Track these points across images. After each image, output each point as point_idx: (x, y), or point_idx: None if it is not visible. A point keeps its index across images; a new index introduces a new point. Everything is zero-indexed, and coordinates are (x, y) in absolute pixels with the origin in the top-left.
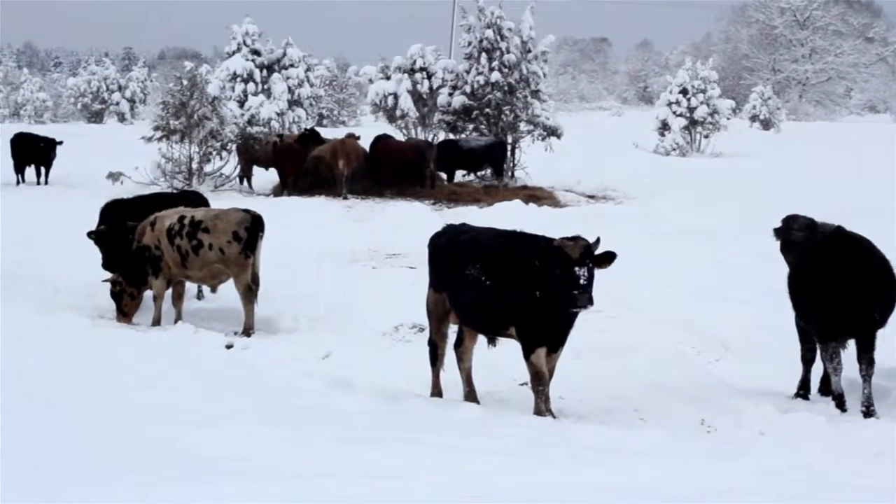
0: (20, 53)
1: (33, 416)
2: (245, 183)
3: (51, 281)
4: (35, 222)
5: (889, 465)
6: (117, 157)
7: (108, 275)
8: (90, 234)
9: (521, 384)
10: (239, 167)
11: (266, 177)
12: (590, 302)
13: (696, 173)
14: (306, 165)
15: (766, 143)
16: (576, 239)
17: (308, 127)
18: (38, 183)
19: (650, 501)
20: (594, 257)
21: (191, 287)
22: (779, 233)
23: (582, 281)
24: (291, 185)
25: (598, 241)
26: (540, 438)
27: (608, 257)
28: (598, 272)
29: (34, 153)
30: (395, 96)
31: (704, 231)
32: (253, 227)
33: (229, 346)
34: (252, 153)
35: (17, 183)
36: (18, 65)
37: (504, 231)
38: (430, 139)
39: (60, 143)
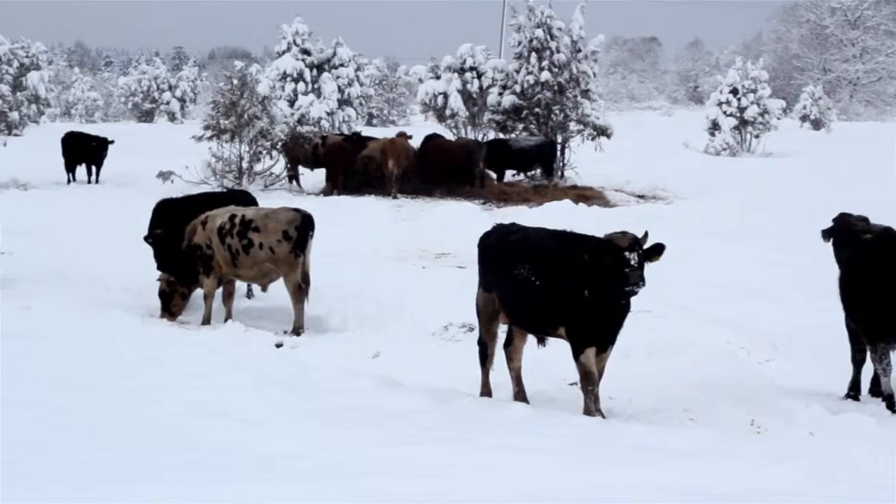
0: (71, 53)
1: (82, 414)
2: (294, 182)
3: (101, 280)
4: (86, 221)
5: None
6: (168, 157)
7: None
8: (147, 239)
9: (571, 384)
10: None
11: (317, 176)
12: (642, 280)
13: (746, 173)
14: (356, 165)
15: (817, 144)
16: (623, 232)
17: (355, 131)
18: (89, 182)
19: (699, 502)
20: (643, 249)
21: (241, 286)
22: (827, 234)
23: (633, 262)
24: (341, 184)
25: (646, 234)
26: (589, 438)
27: (657, 249)
28: (647, 267)
29: (85, 152)
30: (445, 96)
31: (754, 231)
32: (303, 226)
33: (279, 345)
34: (295, 153)
35: (69, 182)
36: (70, 64)
37: (554, 231)
38: (479, 139)
39: (112, 142)
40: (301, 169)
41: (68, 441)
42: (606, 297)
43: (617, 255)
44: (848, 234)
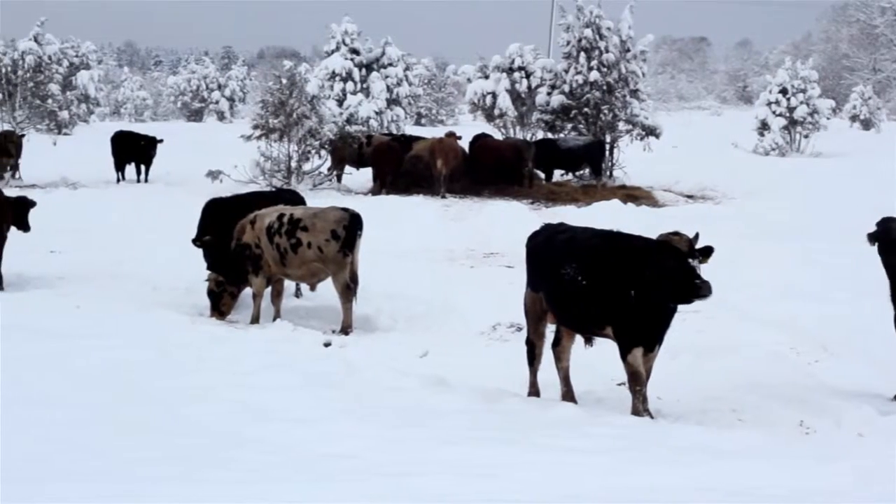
0: (121, 52)
1: (131, 412)
2: (337, 181)
3: (150, 279)
4: (135, 220)
5: None
6: (216, 156)
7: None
8: (195, 242)
9: (619, 384)
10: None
11: (366, 175)
12: (710, 290)
13: (795, 174)
14: (405, 164)
15: (867, 144)
16: (677, 234)
17: (403, 132)
18: (139, 181)
19: (747, 503)
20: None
21: (289, 285)
22: (872, 237)
23: (699, 270)
24: (389, 184)
25: (696, 235)
26: (637, 439)
27: (707, 252)
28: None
29: (135, 151)
30: (494, 95)
31: (803, 231)
32: (351, 225)
33: (327, 345)
34: (340, 152)
35: (118, 181)
36: (119, 63)
37: (601, 231)
38: (528, 138)
39: (161, 141)
40: (347, 168)
41: (114, 439)
42: (665, 299)
43: (681, 261)
44: (893, 242)
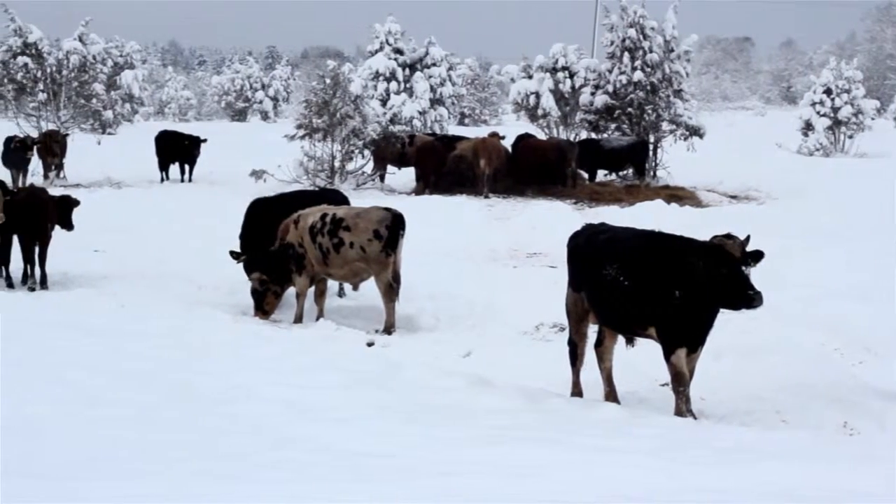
0: (165, 52)
1: (176, 412)
2: (379, 181)
3: (194, 278)
4: (179, 219)
5: None
6: (260, 156)
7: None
8: (232, 255)
9: (662, 385)
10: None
11: (408, 175)
12: (762, 301)
13: (839, 174)
14: (448, 164)
15: None
16: (731, 237)
17: (446, 132)
18: (182, 180)
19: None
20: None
21: (332, 285)
22: None
23: (751, 279)
24: (432, 183)
25: (748, 238)
26: (681, 439)
27: (757, 256)
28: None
29: (179, 151)
30: (537, 95)
31: (847, 232)
32: (394, 225)
33: (370, 344)
34: (382, 152)
35: (162, 180)
36: (163, 63)
37: (643, 231)
38: (571, 138)
39: (204, 140)
40: (390, 168)
41: (160, 438)
42: (715, 304)
43: (733, 268)
44: None
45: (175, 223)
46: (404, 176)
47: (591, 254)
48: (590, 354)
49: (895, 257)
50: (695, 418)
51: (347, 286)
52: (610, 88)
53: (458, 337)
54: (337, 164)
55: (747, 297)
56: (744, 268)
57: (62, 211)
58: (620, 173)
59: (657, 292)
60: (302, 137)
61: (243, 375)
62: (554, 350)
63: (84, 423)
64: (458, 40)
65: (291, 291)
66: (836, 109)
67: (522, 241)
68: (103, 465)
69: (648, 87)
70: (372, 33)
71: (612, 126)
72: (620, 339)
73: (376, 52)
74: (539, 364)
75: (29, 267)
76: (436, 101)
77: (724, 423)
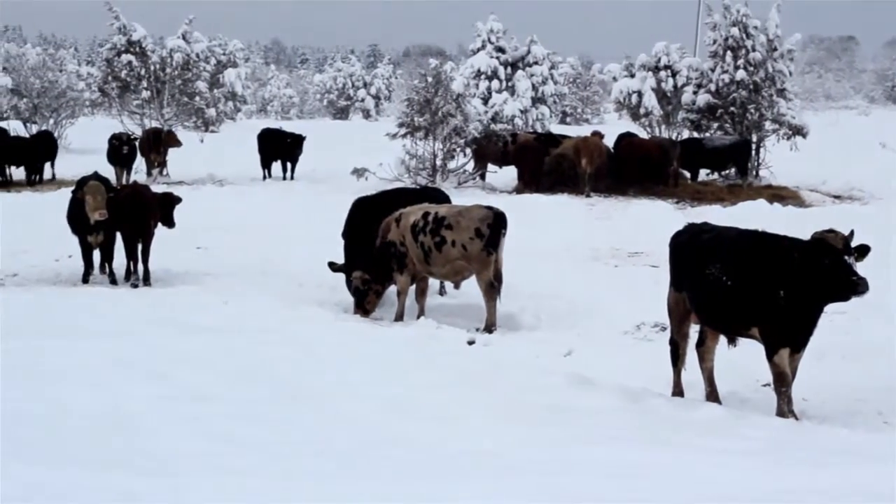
0: (268, 50)
1: (280, 409)
2: (480, 179)
3: (296, 275)
4: (281, 217)
5: None
6: (362, 154)
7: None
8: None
9: (764, 385)
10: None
11: (510, 174)
12: (867, 286)
13: None
14: (549, 163)
15: None
16: (832, 231)
17: (547, 130)
18: (285, 178)
19: None
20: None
21: (433, 283)
22: None
23: (855, 267)
24: (533, 182)
25: (852, 233)
26: (783, 440)
27: (863, 250)
28: None
29: (281, 149)
30: (639, 94)
31: None
32: (495, 223)
33: (471, 343)
34: (484, 150)
35: (264, 178)
36: (266, 62)
37: (746, 230)
38: (673, 137)
39: (306, 138)
40: (491, 167)
41: (268, 435)
42: (821, 297)
43: (836, 258)
44: None
45: (277, 220)
46: (506, 175)
47: (693, 253)
48: (691, 354)
49: None
50: (796, 419)
51: (448, 285)
52: (712, 87)
53: (559, 336)
54: (438, 162)
55: (851, 284)
56: (847, 258)
57: (164, 208)
58: (723, 173)
59: (761, 292)
60: (404, 136)
61: (346, 373)
62: (655, 350)
63: (194, 419)
64: (560, 39)
65: (393, 290)
66: None
67: (624, 240)
68: (209, 460)
69: (751, 86)
70: (474, 32)
71: (715, 125)
72: (722, 339)
73: (478, 50)
74: (640, 363)
75: (132, 264)
76: (537, 100)
77: (826, 425)
